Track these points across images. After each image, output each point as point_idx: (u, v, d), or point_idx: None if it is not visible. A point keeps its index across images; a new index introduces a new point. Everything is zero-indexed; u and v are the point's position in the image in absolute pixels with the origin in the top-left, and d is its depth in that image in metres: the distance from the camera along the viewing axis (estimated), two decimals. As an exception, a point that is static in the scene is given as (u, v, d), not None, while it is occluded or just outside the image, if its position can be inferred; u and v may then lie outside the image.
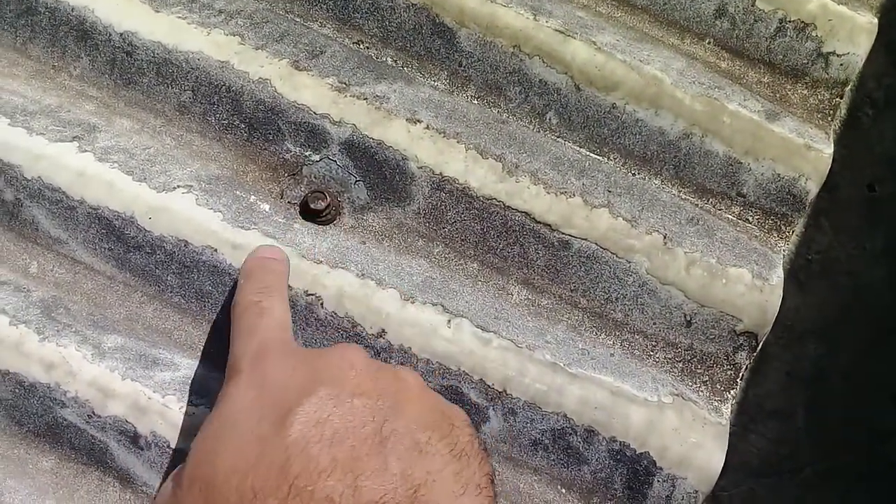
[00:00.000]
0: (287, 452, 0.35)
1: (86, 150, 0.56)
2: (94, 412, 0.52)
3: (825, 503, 0.82)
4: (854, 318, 0.84)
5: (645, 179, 0.59)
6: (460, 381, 0.54)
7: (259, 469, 0.35)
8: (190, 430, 0.52)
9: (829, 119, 0.62)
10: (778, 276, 0.57)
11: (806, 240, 0.84)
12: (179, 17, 0.59)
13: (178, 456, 0.52)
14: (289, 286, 0.54)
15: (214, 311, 0.56)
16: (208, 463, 0.36)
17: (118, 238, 0.56)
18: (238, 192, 0.57)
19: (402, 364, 0.46)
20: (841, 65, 0.61)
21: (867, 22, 0.61)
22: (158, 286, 0.56)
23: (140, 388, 0.53)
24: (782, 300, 0.57)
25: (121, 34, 0.58)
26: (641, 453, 0.54)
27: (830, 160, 0.58)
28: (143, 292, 0.57)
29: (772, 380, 0.82)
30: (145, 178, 0.56)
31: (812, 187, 0.58)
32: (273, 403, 0.38)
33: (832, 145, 0.59)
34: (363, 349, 0.42)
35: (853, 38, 0.61)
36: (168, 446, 0.52)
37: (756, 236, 0.59)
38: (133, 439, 0.52)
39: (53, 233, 0.57)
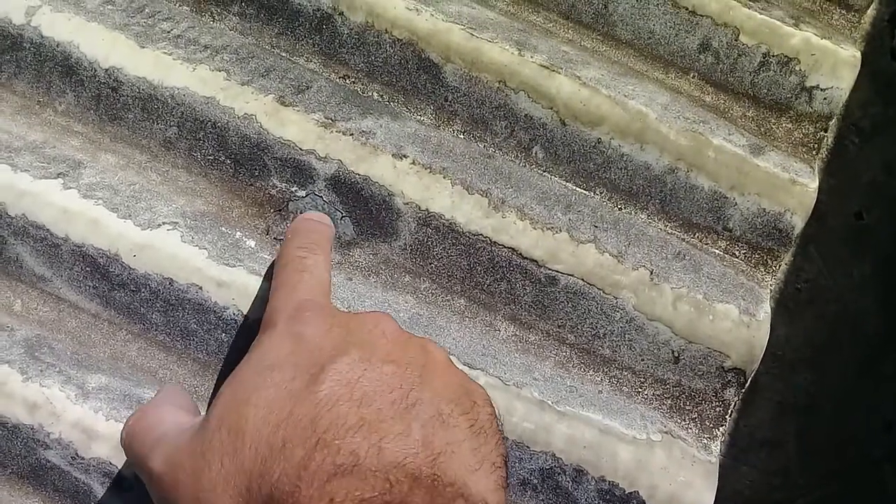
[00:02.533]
0: (317, 408, 0.36)
1: (70, 187, 0.56)
2: (77, 454, 0.52)
3: (817, 533, 0.82)
4: (843, 346, 0.84)
5: (631, 214, 0.59)
6: (447, 419, 0.54)
7: (289, 421, 0.36)
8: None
9: (814, 153, 0.62)
10: (765, 312, 0.57)
11: (795, 268, 0.85)
12: (165, 53, 0.59)
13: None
14: (274, 324, 0.54)
15: (200, 350, 0.55)
16: (238, 410, 0.37)
17: (103, 276, 0.55)
18: (224, 229, 0.57)
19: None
20: (825, 99, 0.61)
21: (850, 56, 0.61)
22: (143, 324, 0.56)
23: (124, 428, 0.52)
24: (772, 329, 0.57)
25: (106, 70, 0.58)
26: (631, 493, 0.53)
27: (815, 194, 0.59)
28: (128, 330, 0.56)
29: (763, 410, 0.82)
30: (130, 215, 0.56)
31: (798, 221, 0.59)
32: (307, 360, 0.39)
33: (817, 179, 0.59)
34: (394, 319, 0.43)
35: (836, 72, 0.61)
36: (152, 487, 0.51)
37: (743, 271, 0.59)
38: (117, 481, 0.52)
39: (38, 270, 0.56)
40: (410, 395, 0.38)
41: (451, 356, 0.53)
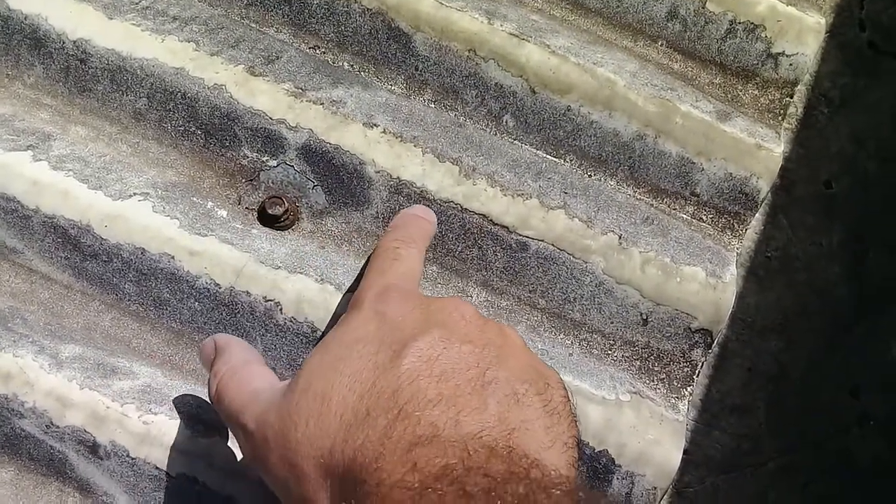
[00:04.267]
0: (399, 381, 0.38)
1: (41, 159, 0.56)
2: (52, 422, 0.52)
3: (787, 496, 0.83)
4: (812, 314, 0.85)
5: (600, 180, 0.60)
6: (420, 384, 0.54)
7: (373, 391, 0.38)
8: (149, 438, 0.52)
9: (780, 118, 0.63)
10: (731, 274, 0.58)
11: (765, 237, 0.86)
12: (133, 24, 0.59)
13: (138, 464, 0.52)
14: (247, 292, 0.54)
15: (173, 319, 0.56)
16: (326, 378, 0.39)
17: (74, 247, 0.55)
18: (195, 199, 0.57)
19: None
20: (790, 65, 0.62)
21: (815, 22, 0.62)
22: (116, 294, 0.56)
23: (98, 397, 0.52)
24: (742, 297, 0.58)
25: (74, 42, 0.58)
26: (600, 451, 0.54)
27: (781, 159, 0.60)
28: (101, 301, 0.56)
29: (733, 376, 0.83)
30: (101, 186, 0.56)
31: (763, 186, 0.59)
32: (391, 337, 0.41)
33: (782, 144, 0.60)
34: (473, 306, 0.45)
35: (802, 38, 0.62)
36: (127, 455, 0.52)
37: (710, 235, 0.60)
38: (92, 449, 0.52)
39: (9, 242, 0.56)
40: (487, 374, 0.39)
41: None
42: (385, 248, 0.49)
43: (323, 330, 0.54)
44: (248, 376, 0.45)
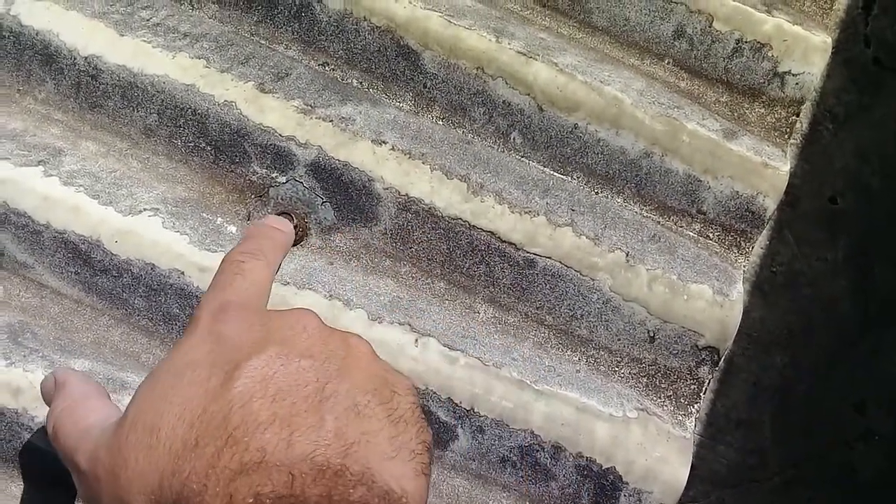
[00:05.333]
0: (230, 405, 0.36)
1: (51, 175, 0.56)
2: (61, 437, 0.52)
3: (792, 511, 0.83)
4: (817, 328, 0.86)
5: (607, 198, 0.61)
6: (428, 400, 0.55)
7: (203, 418, 0.36)
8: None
9: (786, 137, 0.63)
10: (738, 292, 0.58)
11: (770, 252, 0.86)
12: (144, 41, 0.59)
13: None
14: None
15: (182, 334, 0.56)
16: (156, 409, 0.37)
17: (85, 262, 0.56)
18: (205, 215, 0.57)
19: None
20: (797, 84, 0.63)
21: (821, 42, 0.62)
22: (126, 309, 0.56)
23: (108, 412, 0.52)
24: (748, 312, 0.58)
25: (86, 58, 0.59)
26: (608, 468, 0.54)
27: (787, 177, 0.60)
28: (111, 316, 0.57)
29: (739, 391, 0.84)
30: (111, 202, 0.56)
31: (770, 204, 0.60)
32: (224, 358, 0.39)
33: (789, 162, 0.60)
34: (318, 316, 0.43)
35: (808, 57, 0.62)
36: (136, 470, 0.52)
37: (716, 252, 0.60)
38: (101, 464, 0.52)
39: (20, 257, 0.57)
40: (326, 388, 0.38)
41: (430, 338, 0.54)
42: (229, 262, 0.47)
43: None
44: (85, 412, 0.43)
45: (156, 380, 0.40)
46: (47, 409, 0.52)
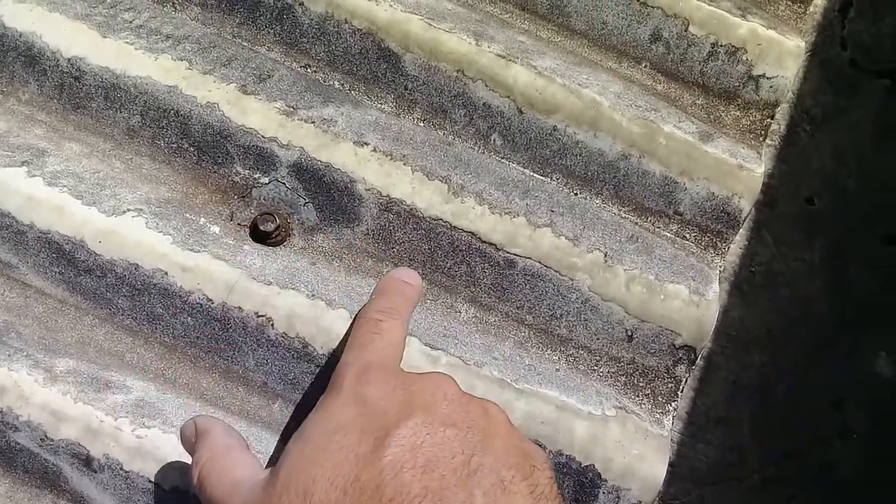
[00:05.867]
0: (382, 475, 0.37)
1: (35, 175, 0.57)
2: (46, 436, 0.53)
3: (771, 508, 0.84)
4: (795, 328, 0.87)
5: (586, 199, 0.61)
6: (409, 398, 0.55)
7: (356, 486, 0.37)
8: (142, 452, 0.52)
9: (761, 139, 0.64)
10: (714, 292, 0.59)
11: (749, 252, 0.87)
12: (127, 43, 0.60)
13: (132, 478, 0.52)
14: (239, 308, 0.55)
15: (166, 334, 0.57)
16: (307, 473, 0.38)
17: (69, 262, 0.56)
18: (188, 215, 0.58)
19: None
20: (771, 87, 0.64)
21: (795, 46, 0.63)
22: (110, 309, 0.57)
23: (92, 411, 0.53)
24: (727, 311, 0.59)
25: (69, 59, 0.59)
26: (587, 466, 0.55)
27: (762, 179, 0.61)
28: (95, 315, 0.57)
29: (718, 389, 0.85)
30: (95, 202, 0.57)
31: (745, 205, 0.61)
32: (372, 424, 0.40)
33: (763, 164, 0.62)
34: (455, 381, 0.44)
35: (782, 61, 0.63)
36: (121, 468, 0.53)
37: (693, 253, 0.61)
38: (86, 462, 0.53)
39: (3, 257, 0.57)
40: (472, 461, 0.38)
41: (412, 337, 0.55)
42: (367, 320, 0.48)
43: (313, 346, 0.55)
44: (231, 464, 0.44)
45: (306, 441, 0.40)
46: (32, 408, 0.52)
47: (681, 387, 0.59)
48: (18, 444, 0.53)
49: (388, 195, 0.58)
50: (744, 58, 0.63)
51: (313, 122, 0.59)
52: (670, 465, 0.80)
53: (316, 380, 0.56)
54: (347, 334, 0.54)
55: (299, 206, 0.59)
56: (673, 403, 0.59)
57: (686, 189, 0.61)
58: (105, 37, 0.59)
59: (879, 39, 0.91)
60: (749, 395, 0.85)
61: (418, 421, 0.39)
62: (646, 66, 0.65)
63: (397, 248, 0.59)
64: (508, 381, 0.56)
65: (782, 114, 0.89)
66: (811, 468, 0.86)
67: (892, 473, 0.84)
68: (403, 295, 0.51)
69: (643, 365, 0.59)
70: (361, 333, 0.47)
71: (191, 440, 0.47)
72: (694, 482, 0.83)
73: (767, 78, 0.64)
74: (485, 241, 0.58)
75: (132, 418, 0.53)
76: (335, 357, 0.55)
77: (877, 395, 0.85)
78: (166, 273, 0.55)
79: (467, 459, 0.38)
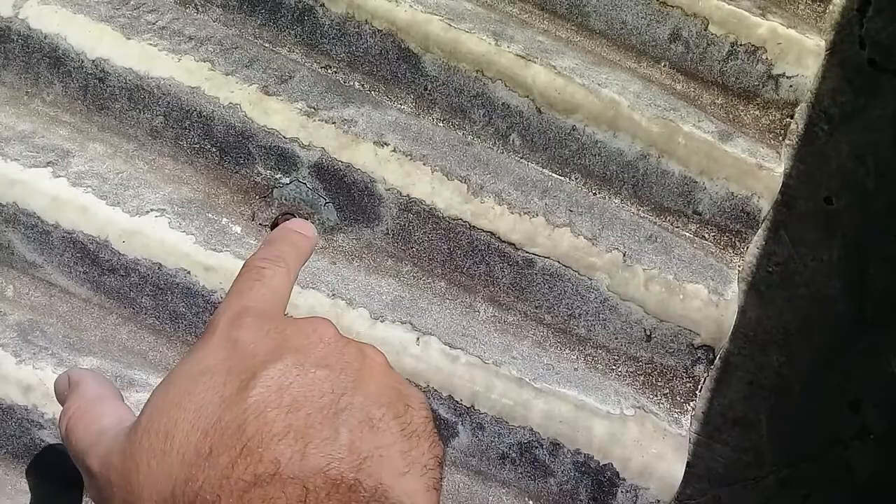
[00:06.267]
0: (245, 414, 0.36)
1: (60, 176, 0.58)
2: (69, 433, 0.53)
3: (788, 508, 0.84)
4: (813, 328, 0.87)
5: (605, 198, 0.62)
6: (429, 398, 0.56)
7: (218, 427, 0.36)
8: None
9: (781, 139, 0.64)
10: (733, 291, 0.59)
11: (767, 252, 0.87)
12: (150, 44, 0.60)
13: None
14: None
15: (189, 332, 0.57)
16: (170, 414, 0.37)
17: (93, 261, 0.57)
18: (210, 215, 0.58)
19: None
20: (790, 86, 0.64)
21: (815, 45, 0.63)
22: (133, 308, 0.58)
23: (115, 408, 0.54)
24: (744, 311, 0.59)
25: (93, 61, 0.60)
26: (605, 465, 0.56)
27: (781, 179, 0.61)
28: (118, 314, 0.58)
29: (735, 389, 0.85)
30: (119, 203, 0.57)
31: (764, 205, 0.61)
32: (240, 366, 0.38)
33: (783, 164, 0.62)
34: (334, 325, 0.44)
35: (801, 60, 0.63)
36: (143, 465, 0.53)
37: (712, 252, 0.61)
38: (108, 459, 0.53)
39: (29, 257, 0.58)
40: (342, 400, 0.38)
41: (431, 336, 0.55)
42: (249, 268, 0.46)
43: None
44: (99, 413, 0.43)
45: (170, 384, 0.40)
46: (60, 407, 0.53)
47: (699, 386, 0.59)
48: (43, 441, 0.54)
49: (407, 195, 0.58)
50: (763, 57, 0.63)
51: (334, 123, 0.59)
52: (686, 465, 0.80)
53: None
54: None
55: (320, 205, 0.59)
56: (691, 403, 0.59)
57: (705, 189, 0.61)
58: (129, 38, 0.60)
59: (898, 38, 0.91)
60: (766, 395, 0.85)
61: (289, 362, 0.38)
62: (665, 66, 0.65)
63: (417, 247, 0.59)
64: (527, 380, 0.56)
65: (800, 113, 0.89)
66: (827, 469, 0.86)
67: (911, 474, 0.84)
68: (292, 244, 0.50)
69: (662, 364, 0.59)
70: (242, 280, 0.46)
71: (63, 393, 0.45)
72: (710, 482, 0.84)
73: (787, 77, 0.64)
74: (504, 241, 0.58)
75: (155, 416, 0.54)
76: None
77: (894, 395, 0.85)
78: (189, 272, 0.56)
79: (336, 399, 0.38)
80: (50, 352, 0.55)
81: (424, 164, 0.59)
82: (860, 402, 0.86)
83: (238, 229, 0.58)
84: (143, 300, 0.57)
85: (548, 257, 0.58)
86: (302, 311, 0.55)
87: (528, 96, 0.61)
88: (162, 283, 0.56)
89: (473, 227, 0.58)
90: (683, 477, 0.64)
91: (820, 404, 0.86)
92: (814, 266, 0.86)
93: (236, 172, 0.60)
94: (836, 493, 0.86)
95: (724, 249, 0.62)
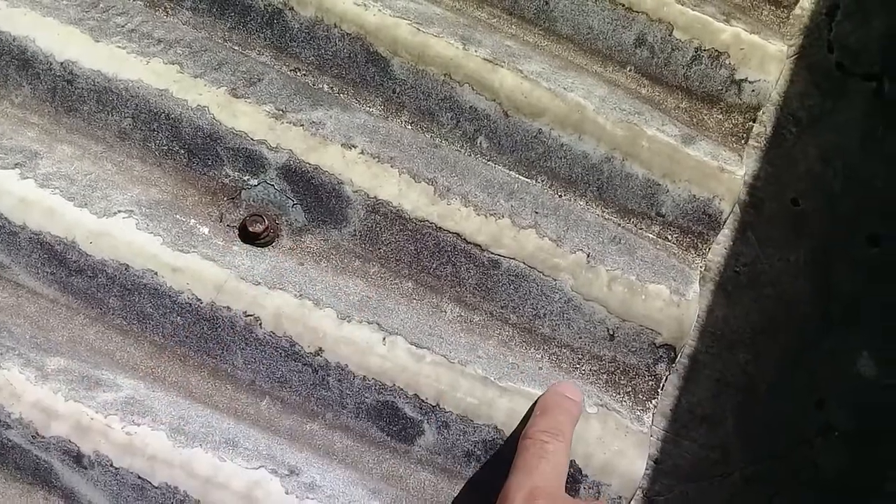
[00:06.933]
0: None
1: (27, 177, 0.58)
2: (38, 433, 0.54)
3: (755, 505, 0.86)
4: (779, 327, 0.88)
5: (570, 200, 0.63)
6: (395, 397, 0.56)
7: None
8: (132, 448, 0.53)
9: (743, 142, 0.65)
10: (694, 292, 0.60)
11: (734, 253, 0.88)
12: (119, 47, 0.60)
13: (121, 474, 0.53)
14: (227, 307, 0.56)
15: (156, 333, 0.58)
16: None
17: (60, 262, 0.57)
18: (178, 216, 0.59)
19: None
20: (753, 91, 0.65)
21: (777, 50, 0.64)
22: (101, 309, 0.58)
23: (83, 408, 0.54)
24: (711, 311, 0.60)
25: (61, 63, 0.60)
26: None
27: (742, 181, 0.62)
28: (86, 315, 0.58)
29: (703, 387, 0.86)
30: (86, 204, 0.57)
31: (726, 207, 0.62)
32: None
33: (744, 167, 0.63)
34: None
35: (764, 65, 0.64)
36: (111, 465, 0.54)
37: (675, 254, 0.62)
38: (76, 459, 0.54)
39: (-4, 258, 0.58)
40: None
41: (398, 336, 0.56)
42: (533, 442, 0.51)
43: (300, 344, 0.56)
44: None
45: None
46: (24, 405, 0.53)
47: (661, 384, 0.60)
48: (10, 440, 0.54)
49: (375, 197, 0.59)
50: (727, 62, 0.64)
51: (302, 125, 0.60)
52: (655, 461, 0.82)
53: (303, 378, 0.57)
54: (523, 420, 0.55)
55: (288, 207, 0.60)
56: (653, 401, 0.60)
57: (668, 191, 0.62)
58: (97, 41, 0.60)
59: (866, 42, 0.92)
60: (733, 393, 0.86)
61: None
62: (630, 70, 0.66)
63: (384, 248, 0.60)
64: (492, 379, 0.57)
65: (768, 116, 0.90)
66: (793, 466, 0.87)
67: (874, 472, 0.86)
68: (567, 412, 0.54)
69: (624, 363, 0.60)
70: (527, 455, 0.50)
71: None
72: (678, 479, 0.85)
73: (750, 82, 0.65)
74: (470, 242, 0.59)
75: (122, 416, 0.54)
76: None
77: (859, 395, 0.86)
78: (156, 273, 0.56)
79: None
80: (17, 352, 0.55)
81: (392, 167, 0.60)
82: (825, 401, 0.88)
83: (206, 230, 0.59)
84: (111, 301, 0.57)
85: (513, 258, 0.59)
86: (269, 311, 0.56)
87: (495, 100, 0.62)
88: (129, 283, 0.57)
89: (440, 228, 0.59)
90: (651, 473, 0.65)
91: (786, 403, 0.87)
92: (780, 266, 0.88)
93: (204, 174, 0.60)
94: (803, 491, 0.88)
95: (686, 251, 0.63)
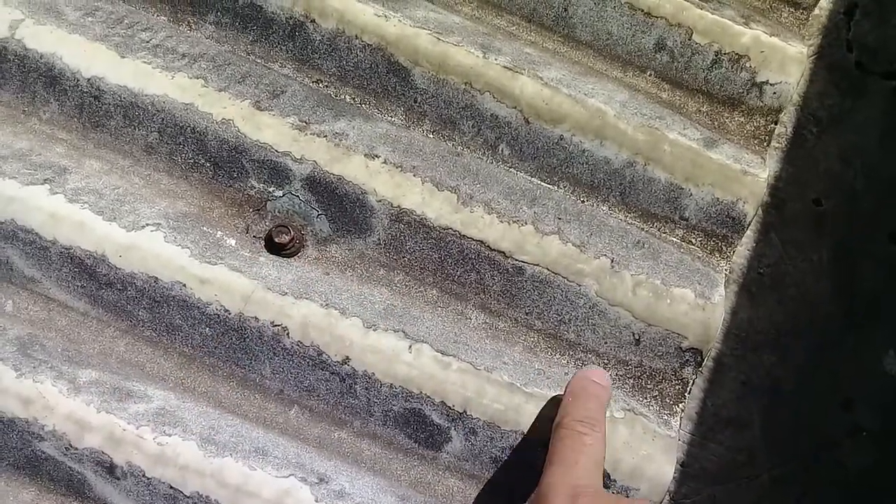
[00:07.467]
0: None
1: (57, 192, 0.59)
2: (71, 444, 0.55)
3: (782, 507, 0.85)
4: (804, 328, 0.87)
5: (593, 206, 0.63)
6: (422, 404, 0.57)
7: None
8: (163, 459, 0.54)
9: (765, 144, 0.65)
10: (719, 295, 0.60)
11: (757, 254, 0.88)
12: (144, 62, 0.61)
13: (154, 484, 0.54)
14: (255, 318, 0.57)
15: (185, 344, 0.58)
16: None
17: (90, 276, 0.58)
18: (205, 229, 0.60)
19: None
20: (774, 93, 0.65)
21: (797, 52, 0.64)
22: (130, 321, 0.59)
23: (115, 420, 0.55)
24: (735, 313, 0.60)
25: (88, 79, 0.61)
26: (595, 467, 0.56)
27: (766, 184, 0.62)
28: (116, 327, 0.59)
29: (728, 389, 0.86)
30: (115, 218, 0.58)
31: (749, 210, 0.62)
32: None
33: (767, 169, 0.63)
34: None
35: (784, 67, 0.64)
36: (143, 475, 0.54)
37: (699, 257, 0.62)
38: (109, 470, 0.55)
39: (27, 272, 0.59)
40: None
41: (423, 344, 0.56)
42: (569, 432, 0.49)
43: (328, 353, 0.57)
44: None
45: None
46: (57, 417, 0.54)
47: (688, 388, 0.60)
48: (44, 453, 0.55)
49: (398, 206, 0.59)
50: (747, 65, 0.64)
51: (325, 136, 0.60)
52: (681, 465, 0.81)
53: (330, 386, 0.57)
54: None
55: (313, 217, 0.60)
56: (680, 404, 0.60)
57: (691, 195, 0.62)
58: (123, 56, 0.61)
59: (885, 41, 0.92)
60: (759, 395, 0.86)
61: None
62: (650, 75, 0.66)
63: (408, 256, 0.60)
64: (518, 385, 0.57)
65: (789, 117, 0.90)
66: (821, 467, 0.87)
67: (903, 471, 0.85)
68: (597, 398, 0.52)
69: (650, 368, 0.60)
70: (565, 448, 0.49)
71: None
72: (704, 482, 0.84)
73: (770, 84, 0.65)
74: (494, 249, 0.59)
75: (153, 426, 0.55)
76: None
77: (886, 393, 0.86)
78: (185, 285, 0.57)
79: None
80: (49, 365, 0.56)
81: (415, 175, 0.60)
82: (852, 401, 0.87)
83: (232, 242, 0.60)
84: (140, 313, 0.58)
85: (537, 264, 0.59)
86: (296, 321, 0.57)
87: (515, 107, 0.62)
88: (158, 296, 0.57)
89: (464, 236, 0.59)
90: (678, 476, 0.65)
91: (812, 403, 0.86)
92: (804, 267, 0.87)
93: (230, 186, 0.61)
94: (830, 491, 0.87)
95: (710, 254, 0.63)
